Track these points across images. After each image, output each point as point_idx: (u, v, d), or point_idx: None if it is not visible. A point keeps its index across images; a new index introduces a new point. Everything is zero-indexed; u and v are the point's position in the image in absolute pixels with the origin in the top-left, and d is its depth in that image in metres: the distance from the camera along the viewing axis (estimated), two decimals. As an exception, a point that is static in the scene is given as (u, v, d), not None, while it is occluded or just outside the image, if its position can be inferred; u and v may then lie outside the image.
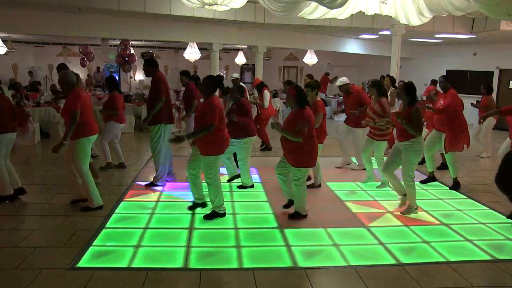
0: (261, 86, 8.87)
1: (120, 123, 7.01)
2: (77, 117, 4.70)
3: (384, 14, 7.00)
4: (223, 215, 4.88)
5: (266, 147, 8.94)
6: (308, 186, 5.99)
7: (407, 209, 5.16)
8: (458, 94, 6.29)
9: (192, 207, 5.10)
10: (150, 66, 5.95)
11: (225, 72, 19.20)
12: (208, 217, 4.82)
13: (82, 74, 18.60)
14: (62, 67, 6.92)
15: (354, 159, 7.46)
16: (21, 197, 5.36)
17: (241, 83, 8.04)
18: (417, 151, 4.95)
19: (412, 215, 5.09)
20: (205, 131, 4.50)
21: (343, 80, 7.24)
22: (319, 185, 6.19)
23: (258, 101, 8.73)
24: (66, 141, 4.76)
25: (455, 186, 6.33)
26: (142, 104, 11.75)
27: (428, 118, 7.01)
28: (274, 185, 6.24)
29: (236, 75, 9.14)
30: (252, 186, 6.13)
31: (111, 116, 6.87)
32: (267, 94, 8.67)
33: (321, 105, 5.77)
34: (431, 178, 6.63)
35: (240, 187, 6.10)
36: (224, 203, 4.93)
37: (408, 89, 4.90)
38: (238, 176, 6.22)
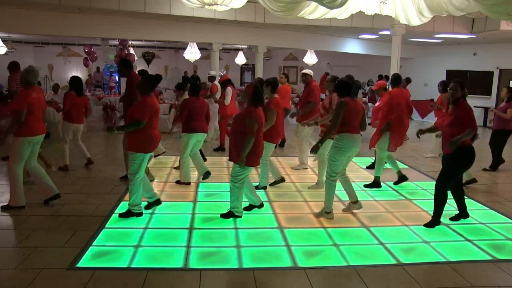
0: (225, 83, 8.70)
1: (72, 123, 6.92)
2: (22, 116, 4.71)
3: (384, 14, 7.01)
4: (139, 214, 4.83)
5: (219, 147, 8.83)
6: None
7: (320, 211, 4.99)
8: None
9: (148, 207, 5.07)
10: (123, 67, 6.04)
11: (225, 72, 19.21)
12: (122, 215, 4.82)
13: (83, 74, 18.64)
14: (14, 66, 6.91)
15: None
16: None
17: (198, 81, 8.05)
18: (337, 148, 4.81)
19: (411, 215, 5.09)
20: (133, 126, 4.58)
21: (306, 70, 7.24)
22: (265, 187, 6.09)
23: (221, 98, 8.62)
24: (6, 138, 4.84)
25: (374, 184, 6.24)
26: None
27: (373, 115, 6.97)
28: (273, 185, 6.25)
29: (213, 72, 9.09)
30: (188, 184, 6.16)
31: (64, 115, 6.94)
32: (229, 91, 8.55)
33: (275, 102, 5.71)
34: (376, 183, 6.27)
35: (177, 182, 6.24)
36: (141, 203, 4.91)
37: (337, 85, 4.93)
38: (208, 173, 6.30)
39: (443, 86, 8.41)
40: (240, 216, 4.87)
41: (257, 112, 4.66)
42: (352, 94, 5.03)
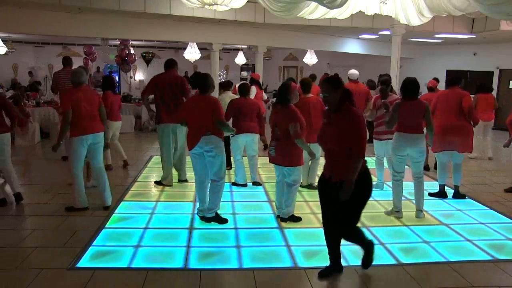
0: (251, 82, 8.74)
1: (115, 121, 7.01)
2: (68, 117, 4.71)
3: (384, 14, 7.01)
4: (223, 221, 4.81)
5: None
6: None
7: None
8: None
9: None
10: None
11: (225, 72, 19.18)
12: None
13: (83, 74, 18.64)
14: (63, 62, 7.01)
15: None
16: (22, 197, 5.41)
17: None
18: (393, 148, 4.96)
19: (411, 215, 5.07)
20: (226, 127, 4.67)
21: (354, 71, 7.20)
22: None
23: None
24: (62, 141, 4.86)
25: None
26: (142, 105, 11.77)
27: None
28: (273, 185, 6.25)
29: (245, 73, 9.07)
30: (245, 185, 6.23)
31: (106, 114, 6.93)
32: (254, 89, 8.66)
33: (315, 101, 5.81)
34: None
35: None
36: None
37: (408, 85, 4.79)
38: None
39: (477, 88, 8.36)
40: (301, 219, 4.84)
41: (296, 112, 4.62)
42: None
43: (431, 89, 7.37)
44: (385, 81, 5.96)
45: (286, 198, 4.74)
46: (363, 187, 3.31)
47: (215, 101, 4.61)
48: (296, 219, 4.80)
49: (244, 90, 6.00)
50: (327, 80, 3.37)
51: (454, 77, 5.97)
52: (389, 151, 5.68)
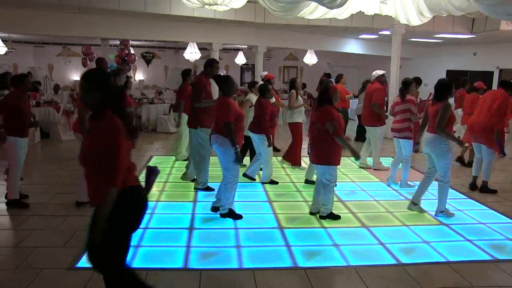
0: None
1: None
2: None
3: (384, 14, 7.02)
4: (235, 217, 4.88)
5: None
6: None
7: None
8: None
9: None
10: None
11: (225, 72, 19.17)
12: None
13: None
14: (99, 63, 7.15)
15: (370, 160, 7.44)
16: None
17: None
18: None
19: (411, 215, 5.08)
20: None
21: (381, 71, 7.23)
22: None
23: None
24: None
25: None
26: (142, 105, 11.76)
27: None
28: (273, 185, 6.25)
29: (262, 74, 9.08)
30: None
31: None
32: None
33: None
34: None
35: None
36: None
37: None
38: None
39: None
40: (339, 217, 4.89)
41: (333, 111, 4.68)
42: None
43: (476, 89, 7.80)
44: (404, 82, 6.11)
45: (322, 198, 4.83)
46: (120, 217, 2.47)
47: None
48: (335, 217, 4.85)
49: (260, 90, 6.20)
50: (83, 75, 2.51)
51: (504, 80, 6.58)
52: (399, 148, 6.21)
